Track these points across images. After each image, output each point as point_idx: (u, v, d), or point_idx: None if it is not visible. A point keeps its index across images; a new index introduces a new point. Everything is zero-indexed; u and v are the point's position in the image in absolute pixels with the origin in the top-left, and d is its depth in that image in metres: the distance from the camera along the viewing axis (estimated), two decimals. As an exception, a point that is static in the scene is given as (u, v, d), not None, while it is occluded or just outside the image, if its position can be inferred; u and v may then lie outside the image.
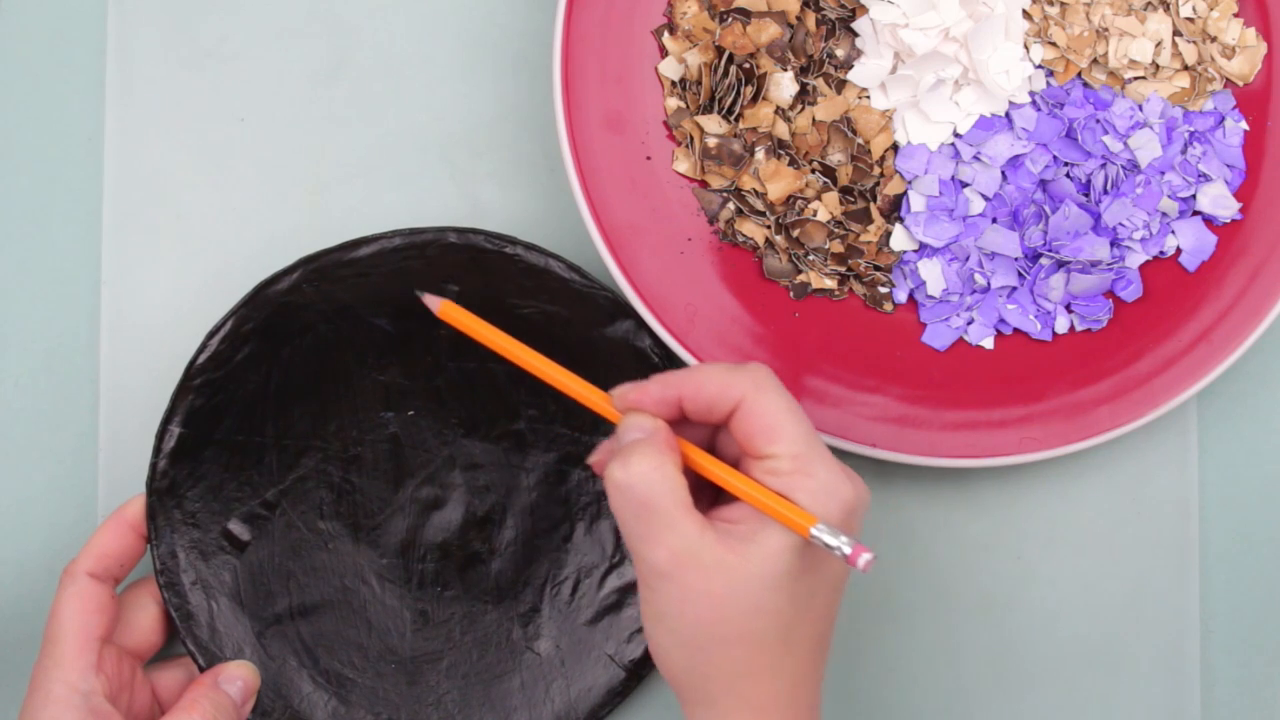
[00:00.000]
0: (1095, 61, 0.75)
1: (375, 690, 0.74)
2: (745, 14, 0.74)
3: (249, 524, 0.74)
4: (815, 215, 0.75)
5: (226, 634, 0.74)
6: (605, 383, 0.74)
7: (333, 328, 0.75)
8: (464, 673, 0.75)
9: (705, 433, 0.66)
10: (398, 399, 0.75)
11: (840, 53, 0.75)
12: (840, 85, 0.75)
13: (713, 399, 0.63)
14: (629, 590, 0.75)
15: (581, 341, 0.75)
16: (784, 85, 0.75)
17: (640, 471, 0.62)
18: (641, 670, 0.75)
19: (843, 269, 0.75)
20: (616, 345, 0.75)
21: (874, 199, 0.75)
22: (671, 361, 0.75)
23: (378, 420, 0.75)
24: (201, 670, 0.73)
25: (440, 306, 0.66)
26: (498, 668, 0.75)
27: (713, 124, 0.75)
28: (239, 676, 0.71)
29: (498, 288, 0.74)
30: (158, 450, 0.73)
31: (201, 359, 0.74)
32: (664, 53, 0.75)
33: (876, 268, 0.76)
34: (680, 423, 0.64)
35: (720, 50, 0.74)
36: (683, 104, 0.75)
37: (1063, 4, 0.75)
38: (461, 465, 0.75)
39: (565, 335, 0.75)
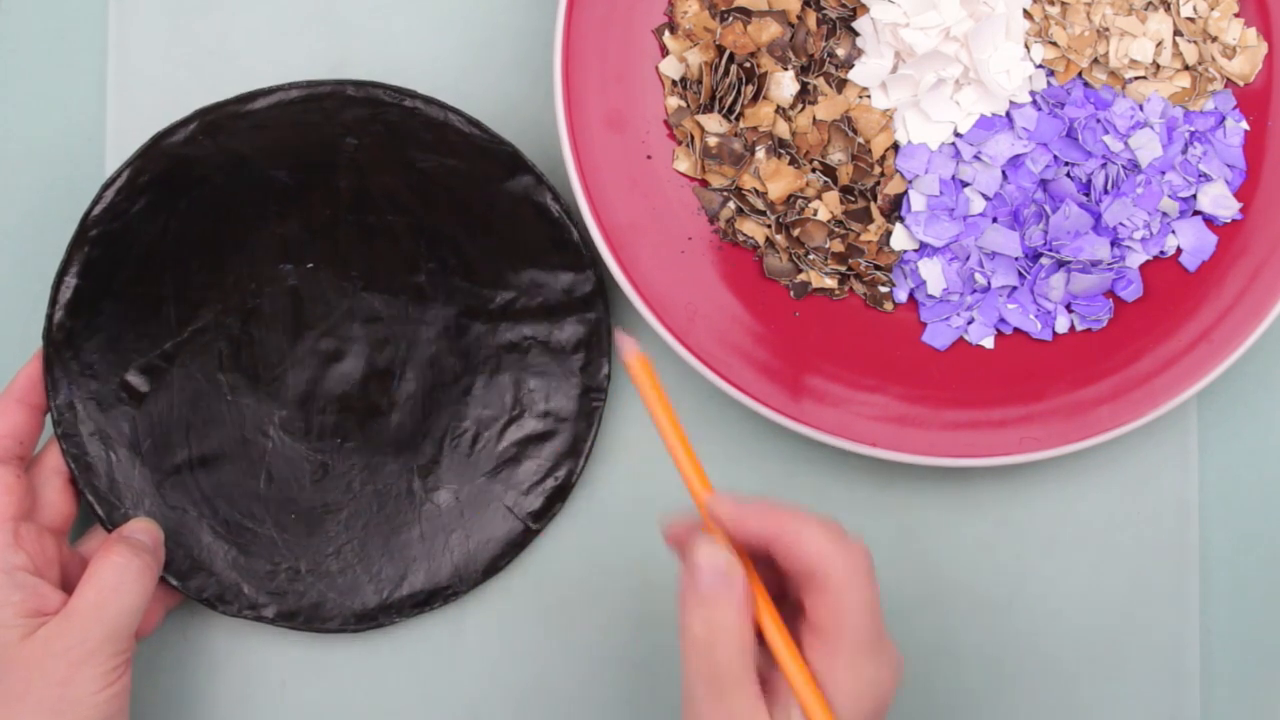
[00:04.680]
0: (1096, 61, 0.75)
1: (275, 540, 0.75)
2: (746, 13, 0.74)
3: (147, 375, 0.74)
4: (816, 214, 0.75)
5: (125, 484, 0.74)
6: (506, 238, 0.75)
7: (230, 180, 0.75)
8: (364, 523, 0.75)
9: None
10: (297, 251, 0.75)
11: (841, 52, 0.75)
12: (841, 84, 0.75)
13: (806, 563, 0.61)
14: (528, 443, 0.76)
15: (481, 195, 0.75)
16: (784, 84, 0.75)
17: (721, 629, 0.61)
18: (539, 522, 0.76)
19: (843, 268, 0.75)
20: (516, 200, 0.75)
21: (874, 198, 0.75)
22: (571, 216, 0.75)
23: (276, 273, 0.75)
24: (102, 519, 0.74)
25: (631, 356, 0.65)
26: (397, 519, 0.76)
27: (713, 123, 0.75)
28: (142, 529, 0.72)
29: (397, 141, 0.75)
30: (54, 302, 0.74)
31: (96, 210, 0.74)
32: (665, 52, 0.75)
33: (877, 267, 0.76)
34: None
35: (721, 49, 0.74)
36: (683, 103, 0.75)
37: (1063, 4, 0.75)
38: (361, 318, 0.76)
39: (465, 189, 0.75)
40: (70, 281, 0.74)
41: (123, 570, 0.69)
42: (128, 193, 0.74)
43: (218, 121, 0.74)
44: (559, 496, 0.76)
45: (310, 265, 0.75)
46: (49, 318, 0.74)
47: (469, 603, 0.77)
